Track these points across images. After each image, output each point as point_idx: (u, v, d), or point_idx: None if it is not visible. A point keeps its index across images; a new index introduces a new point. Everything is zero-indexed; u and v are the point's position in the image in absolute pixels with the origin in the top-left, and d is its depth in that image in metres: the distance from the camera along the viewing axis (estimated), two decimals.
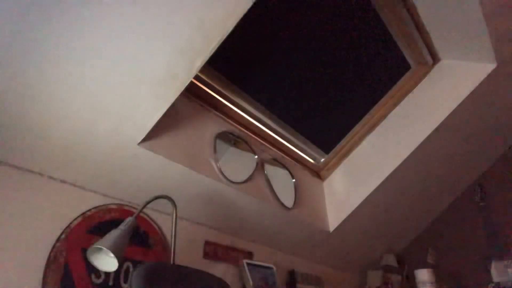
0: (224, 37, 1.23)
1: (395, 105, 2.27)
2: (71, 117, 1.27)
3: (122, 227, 1.26)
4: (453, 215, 2.86)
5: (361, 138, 2.38)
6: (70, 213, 1.44)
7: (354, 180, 2.35)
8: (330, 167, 2.49)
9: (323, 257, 2.63)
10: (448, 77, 2.06)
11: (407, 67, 2.16)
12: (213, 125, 1.84)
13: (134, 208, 1.64)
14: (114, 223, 1.39)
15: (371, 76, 2.19)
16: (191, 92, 1.76)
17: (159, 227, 1.72)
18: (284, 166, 2.23)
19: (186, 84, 1.32)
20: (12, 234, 1.27)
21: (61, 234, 1.39)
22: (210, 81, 1.84)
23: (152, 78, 1.27)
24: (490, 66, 1.87)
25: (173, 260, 1.43)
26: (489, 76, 1.88)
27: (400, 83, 2.22)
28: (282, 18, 1.77)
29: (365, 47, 2.01)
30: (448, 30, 1.83)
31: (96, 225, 1.50)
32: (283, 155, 2.29)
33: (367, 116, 2.35)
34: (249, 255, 2.13)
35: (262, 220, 2.08)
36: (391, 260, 2.83)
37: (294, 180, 2.23)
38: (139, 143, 1.43)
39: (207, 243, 1.92)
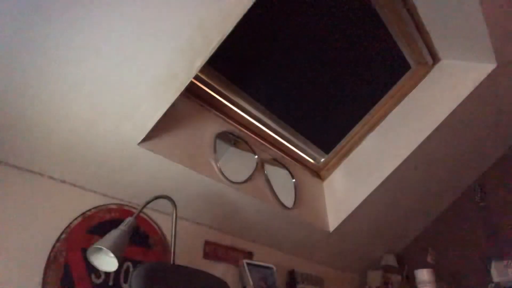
0: (224, 37, 1.23)
1: (395, 105, 2.27)
2: (71, 117, 1.27)
3: (122, 227, 1.26)
4: (453, 215, 2.86)
5: (361, 138, 2.38)
6: (70, 213, 1.44)
7: (354, 180, 2.35)
8: (330, 167, 2.49)
9: (323, 257, 2.63)
10: (448, 77, 2.06)
11: (407, 67, 2.16)
12: (213, 125, 1.84)
13: (134, 208, 1.64)
14: (114, 223, 1.39)
15: (371, 76, 2.19)
16: (191, 92, 1.76)
17: (159, 227, 1.72)
18: (284, 166, 2.23)
19: (186, 84, 1.32)
20: (12, 234, 1.27)
21: (61, 234, 1.39)
22: (210, 81, 1.84)
23: (152, 78, 1.27)
24: (490, 66, 1.87)
25: (173, 260, 1.43)
26: (489, 76, 1.88)
27: (400, 83, 2.22)
28: (282, 18, 1.77)
29: (365, 47, 2.01)
30: (448, 30, 1.83)
31: (96, 225, 1.50)
32: (283, 155, 2.29)
33: (367, 116, 2.35)
34: (249, 255, 2.13)
35: (262, 220, 2.08)
36: (391, 260, 2.83)
37: (294, 180, 2.23)
38: (139, 143, 1.43)
39: (207, 243, 1.92)
